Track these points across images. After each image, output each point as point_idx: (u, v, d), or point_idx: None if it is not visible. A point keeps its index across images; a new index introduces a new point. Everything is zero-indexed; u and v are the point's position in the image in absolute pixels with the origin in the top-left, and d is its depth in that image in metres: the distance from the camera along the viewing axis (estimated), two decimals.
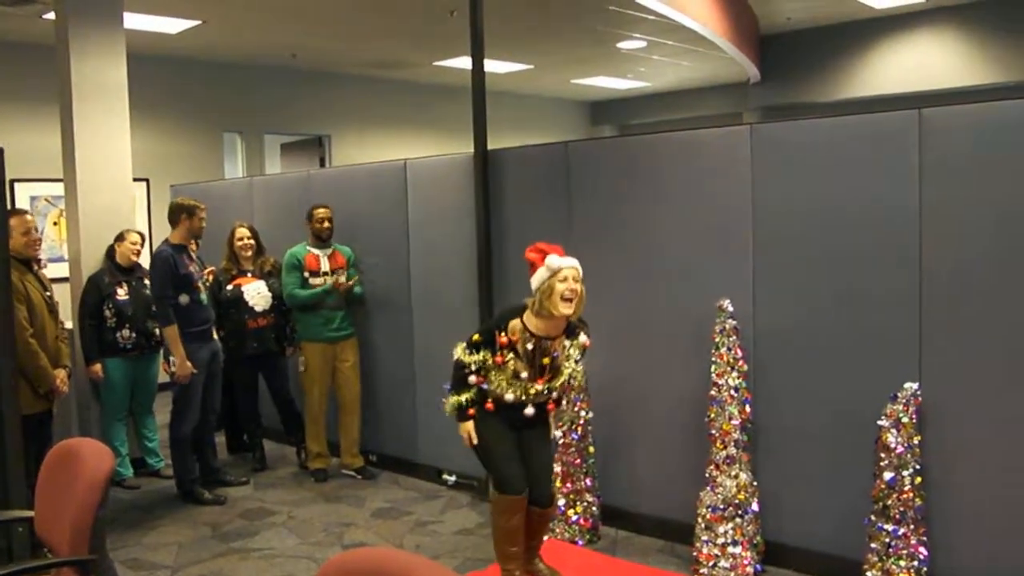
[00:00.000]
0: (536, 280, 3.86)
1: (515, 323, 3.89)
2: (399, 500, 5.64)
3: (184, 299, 5.48)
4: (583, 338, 3.99)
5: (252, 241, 6.25)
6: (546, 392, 3.97)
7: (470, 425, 3.99)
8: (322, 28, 9.05)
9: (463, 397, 3.96)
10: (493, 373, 3.92)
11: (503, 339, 3.87)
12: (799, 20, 11.25)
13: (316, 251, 5.96)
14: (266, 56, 10.26)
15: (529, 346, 3.86)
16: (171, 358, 5.47)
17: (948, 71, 10.92)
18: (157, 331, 5.77)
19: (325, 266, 5.95)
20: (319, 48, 10.03)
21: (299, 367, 6.10)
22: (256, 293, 6.11)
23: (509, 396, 3.92)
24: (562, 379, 3.97)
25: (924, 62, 11.09)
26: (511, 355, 3.87)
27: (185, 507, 5.58)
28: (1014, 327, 3.60)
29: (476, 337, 3.95)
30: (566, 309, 3.78)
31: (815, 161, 4.13)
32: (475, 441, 3.99)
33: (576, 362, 4.00)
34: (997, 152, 3.62)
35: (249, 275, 6.19)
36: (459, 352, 3.96)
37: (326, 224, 5.95)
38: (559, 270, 3.79)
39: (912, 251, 3.84)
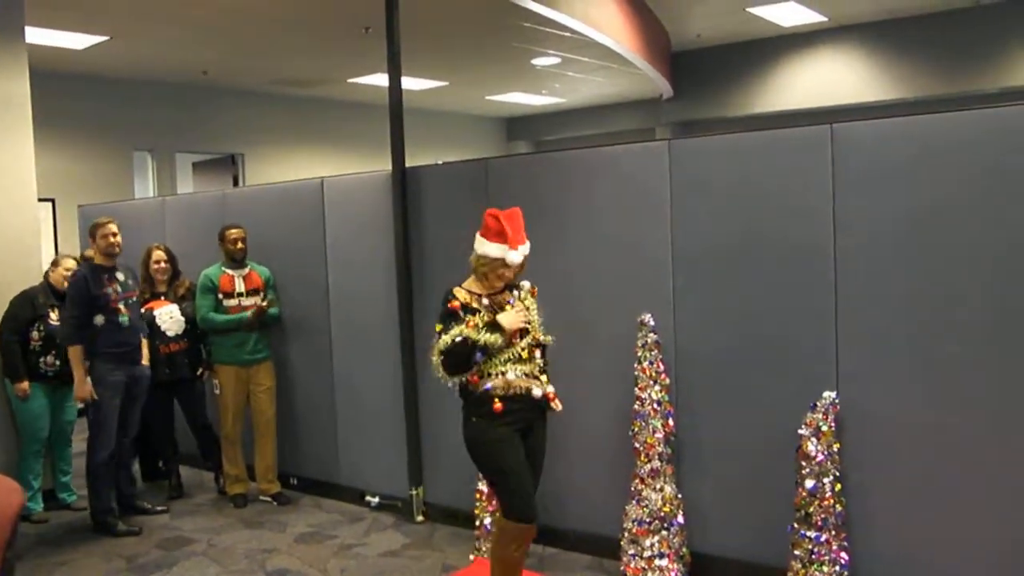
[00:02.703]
0: (481, 249, 3.75)
1: (458, 290, 3.77)
2: (322, 524, 5.54)
3: (99, 320, 5.30)
4: (527, 284, 3.90)
5: (168, 264, 6.08)
6: (534, 352, 3.77)
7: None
8: (234, 45, 8.93)
9: (472, 337, 3.59)
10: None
11: (455, 304, 3.69)
12: (709, 37, 11.52)
13: (231, 272, 5.84)
14: (177, 73, 10.07)
15: (485, 301, 3.74)
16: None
17: (851, 87, 11.32)
18: None
19: (240, 287, 5.83)
20: (231, 65, 9.89)
21: (214, 390, 5.97)
22: (169, 317, 5.94)
23: (511, 375, 3.68)
24: (535, 328, 3.79)
25: (828, 78, 11.48)
26: (476, 316, 3.67)
27: (98, 539, 5.37)
28: (925, 334, 3.71)
29: (439, 326, 3.71)
30: (498, 284, 3.78)
31: (731, 175, 4.20)
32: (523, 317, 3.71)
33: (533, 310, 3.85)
34: (906, 166, 3.73)
35: (162, 298, 6.02)
36: (437, 351, 3.66)
37: (239, 245, 5.85)
38: (513, 263, 3.73)
39: (827, 262, 3.93)
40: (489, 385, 3.67)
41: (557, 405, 3.84)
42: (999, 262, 3.53)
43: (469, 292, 3.77)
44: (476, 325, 3.63)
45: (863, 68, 11.18)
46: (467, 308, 3.69)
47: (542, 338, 3.87)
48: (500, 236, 3.72)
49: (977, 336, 3.59)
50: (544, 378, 3.84)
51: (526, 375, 3.73)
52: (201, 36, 8.42)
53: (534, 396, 3.73)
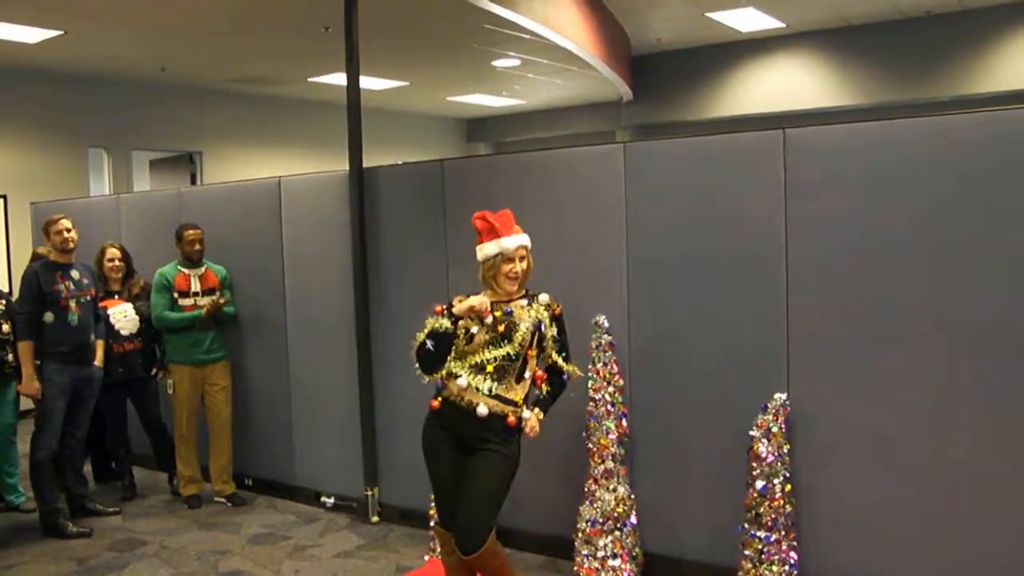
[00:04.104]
0: (481, 254, 3.65)
1: (460, 297, 3.65)
2: (276, 525, 5.51)
3: (48, 317, 5.26)
4: (544, 297, 3.72)
5: (122, 262, 6.02)
6: (509, 368, 3.59)
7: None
8: (192, 42, 8.83)
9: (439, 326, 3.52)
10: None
11: (439, 308, 3.56)
12: (669, 41, 11.59)
13: (187, 271, 5.80)
14: (134, 69, 9.94)
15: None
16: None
17: (807, 93, 11.47)
18: (10, 357, 5.48)
19: (196, 286, 5.79)
20: (189, 62, 9.78)
21: (167, 390, 5.92)
22: (123, 316, 5.88)
23: (462, 380, 3.56)
24: (516, 342, 3.57)
25: (786, 84, 11.62)
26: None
27: (48, 542, 5.29)
28: (873, 337, 3.77)
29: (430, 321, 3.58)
30: (510, 287, 3.65)
31: (686, 179, 4.24)
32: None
33: (538, 329, 3.64)
34: (856, 170, 3.79)
35: (116, 297, 5.96)
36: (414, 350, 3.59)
37: (197, 247, 5.81)
38: (506, 249, 3.61)
39: (779, 266, 3.98)
40: (441, 383, 3.66)
41: (530, 430, 3.64)
42: (948, 267, 3.60)
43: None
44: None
45: (819, 74, 11.34)
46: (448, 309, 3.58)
47: (564, 364, 3.74)
48: (492, 233, 3.64)
49: (925, 340, 3.66)
50: (521, 402, 3.64)
51: (488, 392, 3.57)
52: (159, 33, 8.33)
53: (478, 413, 3.55)
